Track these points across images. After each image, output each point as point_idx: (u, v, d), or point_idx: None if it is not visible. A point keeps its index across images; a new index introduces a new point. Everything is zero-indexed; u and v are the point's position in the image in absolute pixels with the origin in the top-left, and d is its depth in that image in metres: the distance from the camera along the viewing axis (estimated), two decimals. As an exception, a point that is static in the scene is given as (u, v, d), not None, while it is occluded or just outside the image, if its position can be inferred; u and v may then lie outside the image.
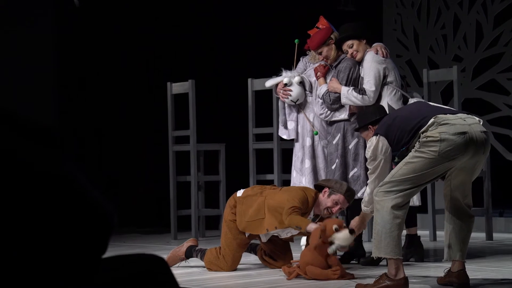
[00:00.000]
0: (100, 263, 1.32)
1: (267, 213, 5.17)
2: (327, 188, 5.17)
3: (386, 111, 4.87)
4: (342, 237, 4.79)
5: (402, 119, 4.35)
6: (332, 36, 5.76)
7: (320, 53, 5.77)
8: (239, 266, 5.46)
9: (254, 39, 9.43)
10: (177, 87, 7.73)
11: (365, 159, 5.58)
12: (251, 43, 9.41)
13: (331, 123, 5.72)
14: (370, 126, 4.70)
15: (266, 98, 7.40)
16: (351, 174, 5.60)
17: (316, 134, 5.83)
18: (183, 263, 5.55)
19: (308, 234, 5.06)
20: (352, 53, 5.61)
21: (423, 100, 5.40)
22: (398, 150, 4.32)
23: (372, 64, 5.52)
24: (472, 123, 4.24)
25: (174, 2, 9.19)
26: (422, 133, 4.21)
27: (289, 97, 5.91)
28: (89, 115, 8.67)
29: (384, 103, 5.49)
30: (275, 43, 8.83)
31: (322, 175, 5.82)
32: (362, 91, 5.50)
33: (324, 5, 9.69)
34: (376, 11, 9.75)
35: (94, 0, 8.48)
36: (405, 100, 5.57)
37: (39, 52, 8.53)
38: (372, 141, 4.36)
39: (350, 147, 5.61)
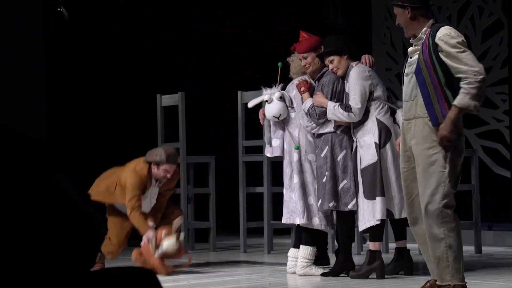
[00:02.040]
0: (89, 276, 1.32)
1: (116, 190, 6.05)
2: (154, 162, 5.93)
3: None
4: (166, 243, 5.68)
5: None
6: (321, 46, 5.77)
7: (305, 58, 5.77)
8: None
9: (244, 52, 9.45)
10: (166, 100, 7.72)
11: (355, 171, 5.59)
12: (241, 56, 9.42)
13: (318, 136, 5.72)
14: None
15: (256, 110, 7.41)
16: (340, 186, 5.60)
17: (297, 148, 5.83)
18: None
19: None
20: (332, 69, 5.63)
21: None
22: None
23: (357, 81, 5.52)
24: None
25: (164, 15, 9.20)
26: None
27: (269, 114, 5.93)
28: (79, 127, 8.65)
29: (372, 118, 5.51)
30: (265, 56, 8.85)
31: (311, 190, 5.81)
32: (348, 108, 5.51)
33: (313, 18, 9.72)
34: (365, 25, 9.79)
35: (84, 12, 8.48)
36: (392, 112, 5.59)
37: (28, 65, 8.54)
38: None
39: (338, 159, 5.61)
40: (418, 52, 4.41)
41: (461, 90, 4.27)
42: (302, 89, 5.73)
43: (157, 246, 5.71)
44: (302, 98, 5.76)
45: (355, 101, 5.48)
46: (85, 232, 1.29)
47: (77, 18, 8.14)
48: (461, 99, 4.26)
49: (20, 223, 1.22)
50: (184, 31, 9.32)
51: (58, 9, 7.45)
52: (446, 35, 4.34)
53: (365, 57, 5.72)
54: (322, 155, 5.65)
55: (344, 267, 5.61)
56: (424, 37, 4.40)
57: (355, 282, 5.37)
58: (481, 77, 4.28)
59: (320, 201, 5.66)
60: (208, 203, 7.79)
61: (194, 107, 8.50)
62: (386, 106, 5.57)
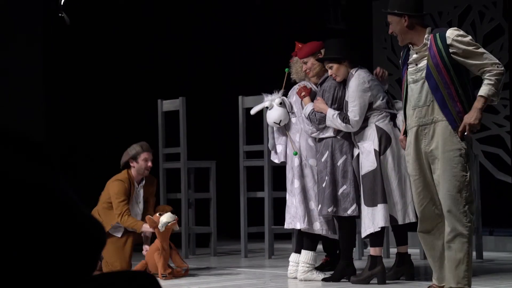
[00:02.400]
0: (89, 281, 1.31)
1: (102, 216, 6.14)
2: (131, 159, 6.16)
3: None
4: (164, 216, 5.93)
5: None
6: (322, 51, 5.78)
7: (305, 63, 5.79)
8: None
9: (245, 57, 9.45)
10: (167, 104, 7.73)
11: (354, 176, 5.58)
12: (242, 61, 9.43)
13: (319, 140, 5.72)
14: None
15: (257, 115, 7.41)
16: (340, 191, 5.59)
17: (296, 154, 5.86)
18: None
19: (145, 233, 6.09)
20: (331, 75, 5.63)
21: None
22: None
23: (357, 94, 5.48)
24: None
25: (165, 20, 9.21)
26: None
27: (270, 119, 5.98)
28: (79, 132, 8.65)
29: (371, 125, 5.50)
30: (266, 61, 8.86)
31: (312, 195, 5.80)
32: (346, 119, 5.49)
33: (314, 23, 9.73)
34: (366, 29, 9.79)
35: (85, 16, 8.49)
36: (392, 117, 5.58)
37: (29, 68, 8.55)
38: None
39: (338, 164, 5.61)
40: (426, 58, 4.39)
41: (486, 82, 4.30)
42: (303, 94, 5.73)
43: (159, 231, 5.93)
44: (302, 102, 5.76)
45: (353, 113, 5.47)
46: (86, 236, 1.28)
47: (78, 22, 8.14)
48: (488, 89, 4.29)
49: (18, 227, 1.22)
50: (185, 35, 9.33)
51: (60, 14, 7.46)
52: (458, 35, 4.36)
53: (378, 70, 5.74)
54: (323, 159, 5.65)
55: (345, 273, 5.60)
56: (429, 43, 4.39)
57: (356, 287, 5.36)
58: (502, 68, 4.34)
59: (320, 206, 5.65)
60: (209, 208, 7.78)
61: (195, 112, 8.50)
62: (387, 115, 5.55)
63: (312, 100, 5.73)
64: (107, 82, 8.84)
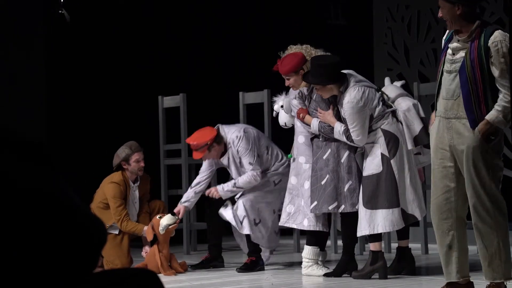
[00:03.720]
0: (91, 278, 1.32)
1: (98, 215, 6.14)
2: (123, 162, 6.20)
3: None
4: (164, 219, 5.99)
5: None
6: (304, 67, 5.70)
7: (288, 79, 5.74)
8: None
9: (245, 53, 9.45)
10: (168, 101, 7.72)
11: (359, 171, 5.58)
12: (242, 56, 9.42)
13: (323, 138, 5.69)
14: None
15: (258, 111, 7.41)
16: (346, 187, 5.57)
17: (290, 157, 5.93)
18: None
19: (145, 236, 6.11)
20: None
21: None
22: None
23: (354, 116, 5.41)
24: None
25: (165, 17, 9.21)
26: None
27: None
28: (80, 130, 8.65)
29: (378, 131, 5.49)
30: (266, 56, 8.85)
31: (302, 192, 5.82)
32: (350, 138, 5.46)
33: (315, 19, 9.72)
34: (366, 25, 9.79)
35: (85, 15, 8.49)
36: (393, 112, 5.57)
37: (30, 66, 8.54)
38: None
39: (342, 160, 5.61)
40: (466, 51, 4.31)
41: (496, 106, 4.24)
42: (301, 115, 5.71)
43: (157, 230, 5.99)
44: (305, 123, 5.71)
45: (355, 134, 5.44)
46: (86, 234, 1.29)
47: (79, 20, 8.14)
48: (495, 116, 4.24)
49: (18, 227, 1.22)
50: (185, 32, 9.32)
51: (60, 11, 7.46)
52: (500, 41, 4.26)
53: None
54: (324, 157, 5.63)
55: (347, 268, 5.60)
56: (474, 36, 4.30)
57: (358, 283, 5.37)
58: None
59: (315, 203, 5.63)
60: (210, 204, 7.77)
61: (196, 109, 8.50)
62: (388, 113, 5.53)
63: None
64: (108, 79, 8.84)
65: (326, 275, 5.63)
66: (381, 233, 5.58)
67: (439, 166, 4.42)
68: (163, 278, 5.47)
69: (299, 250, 7.35)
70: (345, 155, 5.58)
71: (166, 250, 5.94)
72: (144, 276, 1.38)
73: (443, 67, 4.42)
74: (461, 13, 4.32)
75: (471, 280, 4.52)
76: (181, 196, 7.63)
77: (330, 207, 5.57)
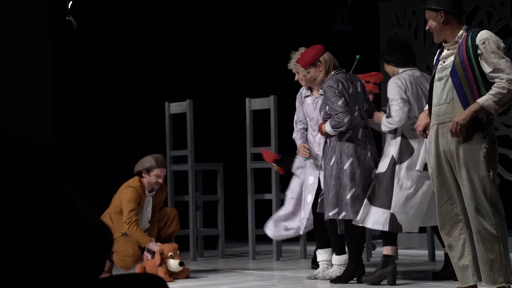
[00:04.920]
0: (97, 283, 1.31)
1: (114, 220, 6.17)
2: (144, 171, 6.15)
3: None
4: (171, 265, 5.97)
5: None
6: (321, 59, 5.73)
7: (308, 72, 5.79)
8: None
9: (251, 59, 9.45)
10: (175, 107, 7.73)
11: (364, 179, 5.58)
12: (249, 62, 9.43)
13: (329, 145, 5.68)
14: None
15: (264, 117, 7.41)
16: (349, 195, 5.55)
17: (305, 160, 5.99)
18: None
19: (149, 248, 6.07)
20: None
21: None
22: None
23: (394, 91, 5.59)
24: None
25: (172, 22, 9.22)
26: None
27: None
28: (87, 135, 8.66)
29: (399, 133, 5.54)
30: (272, 62, 8.85)
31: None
32: (388, 117, 5.54)
33: (321, 24, 9.73)
34: (373, 31, 9.79)
35: (92, 21, 8.51)
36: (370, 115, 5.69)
37: (37, 71, 8.55)
38: None
39: (345, 167, 5.60)
40: (454, 55, 4.38)
41: (490, 91, 4.28)
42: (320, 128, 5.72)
43: (162, 261, 5.98)
44: (323, 131, 5.69)
45: (393, 108, 5.52)
46: (92, 240, 1.28)
47: (86, 27, 8.16)
48: (486, 99, 4.28)
49: (24, 232, 1.22)
50: (192, 38, 9.34)
51: (67, 18, 7.47)
52: (487, 38, 4.35)
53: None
54: (331, 163, 5.64)
55: (354, 274, 5.59)
56: (461, 41, 4.38)
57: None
58: None
59: (336, 210, 5.62)
60: (216, 210, 7.78)
61: (202, 115, 8.50)
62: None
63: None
64: (115, 85, 8.85)
65: (333, 281, 5.61)
66: (395, 238, 5.60)
67: (438, 174, 4.44)
68: (171, 284, 5.47)
69: (306, 256, 7.34)
70: (348, 162, 5.57)
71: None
72: (152, 282, 1.38)
73: (433, 79, 4.49)
74: (444, 21, 4.43)
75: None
76: (187, 203, 7.65)
77: (331, 213, 5.56)
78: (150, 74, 9.00)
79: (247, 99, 7.41)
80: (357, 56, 5.97)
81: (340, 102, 5.55)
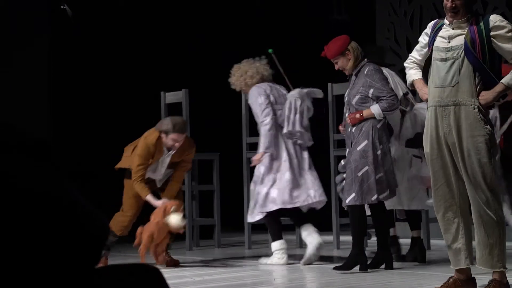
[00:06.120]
0: (93, 273, 1.31)
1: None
2: (162, 131, 6.03)
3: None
4: (173, 219, 5.83)
5: None
6: (349, 47, 5.75)
7: (336, 63, 5.78)
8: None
9: (247, 49, 9.44)
10: (170, 97, 7.72)
11: (391, 163, 5.66)
12: (244, 52, 9.41)
13: (356, 129, 5.67)
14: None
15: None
16: (377, 177, 5.59)
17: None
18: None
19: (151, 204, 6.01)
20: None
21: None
22: None
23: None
24: None
25: (168, 12, 9.20)
26: None
27: None
28: (83, 126, 8.65)
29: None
30: (268, 52, 8.84)
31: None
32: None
33: (318, 14, 9.71)
34: (369, 20, 9.77)
35: (87, 11, 8.49)
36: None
37: (33, 65, 8.52)
38: None
39: (378, 152, 5.62)
40: (464, 36, 4.33)
41: None
42: (357, 116, 5.65)
43: (164, 215, 5.91)
44: (360, 116, 5.64)
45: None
46: (87, 231, 1.28)
47: (81, 17, 8.13)
48: (510, 78, 4.30)
49: (20, 223, 1.22)
50: (187, 28, 9.32)
51: (62, 6, 7.45)
52: (501, 20, 4.35)
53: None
54: (358, 148, 5.61)
55: (357, 261, 5.57)
56: (471, 21, 4.35)
57: (359, 277, 5.36)
58: None
59: (353, 195, 5.59)
60: (212, 200, 7.79)
61: (198, 104, 8.50)
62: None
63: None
64: (110, 75, 8.84)
65: (336, 268, 5.60)
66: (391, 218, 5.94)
67: (437, 156, 4.44)
68: (166, 274, 5.48)
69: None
70: (380, 147, 5.58)
71: (158, 238, 5.96)
72: (147, 271, 1.38)
73: (431, 56, 4.44)
74: (467, 4, 4.38)
75: (473, 276, 4.52)
76: (183, 192, 7.65)
77: (349, 198, 5.58)
78: (145, 64, 8.98)
79: (243, 89, 7.39)
80: (269, 50, 6.06)
81: (390, 85, 5.67)
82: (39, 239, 1.23)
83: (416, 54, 4.68)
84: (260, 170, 6.28)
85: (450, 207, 4.44)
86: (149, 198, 6.03)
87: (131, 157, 6.19)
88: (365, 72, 5.66)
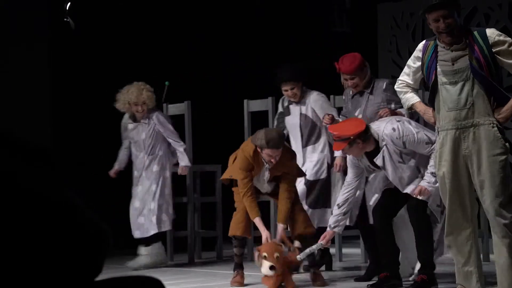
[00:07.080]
0: (94, 285, 1.31)
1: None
2: (257, 146, 5.68)
3: None
4: (263, 269, 5.46)
5: None
6: (366, 63, 5.75)
7: (352, 78, 5.68)
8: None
9: (250, 60, 9.45)
10: (173, 108, 7.73)
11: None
12: (247, 64, 9.43)
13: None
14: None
15: (262, 119, 7.41)
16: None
17: None
18: None
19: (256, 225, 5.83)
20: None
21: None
22: None
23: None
24: None
25: (170, 25, 9.22)
26: None
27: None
28: (85, 137, 8.66)
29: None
30: (270, 64, 8.85)
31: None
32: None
33: (319, 26, 9.73)
34: (371, 32, 9.79)
35: (90, 22, 8.51)
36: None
37: (35, 68, 8.52)
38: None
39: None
40: (467, 56, 4.32)
41: None
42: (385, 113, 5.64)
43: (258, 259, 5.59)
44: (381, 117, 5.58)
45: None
46: (91, 240, 1.28)
47: (84, 26, 8.16)
48: None
49: (21, 231, 1.22)
50: (190, 40, 9.33)
51: (65, 19, 7.47)
52: (499, 34, 4.33)
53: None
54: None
55: (374, 274, 5.57)
56: (468, 41, 4.33)
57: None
58: None
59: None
60: (215, 212, 7.78)
61: (201, 116, 8.50)
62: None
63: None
64: (113, 86, 8.84)
65: (356, 279, 5.67)
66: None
67: (453, 179, 4.41)
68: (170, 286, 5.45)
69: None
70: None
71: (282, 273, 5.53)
72: (148, 282, 1.38)
73: (436, 80, 4.39)
74: (457, 21, 4.37)
75: None
76: (185, 204, 7.63)
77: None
78: (148, 76, 8.99)
79: (245, 101, 7.41)
80: (166, 83, 6.13)
81: None
82: (38, 246, 1.23)
83: (407, 78, 4.66)
84: None
85: (464, 230, 4.44)
86: (257, 221, 5.79)
87: (231, 167, 5.97)
88: (384, 88, 5.65)
